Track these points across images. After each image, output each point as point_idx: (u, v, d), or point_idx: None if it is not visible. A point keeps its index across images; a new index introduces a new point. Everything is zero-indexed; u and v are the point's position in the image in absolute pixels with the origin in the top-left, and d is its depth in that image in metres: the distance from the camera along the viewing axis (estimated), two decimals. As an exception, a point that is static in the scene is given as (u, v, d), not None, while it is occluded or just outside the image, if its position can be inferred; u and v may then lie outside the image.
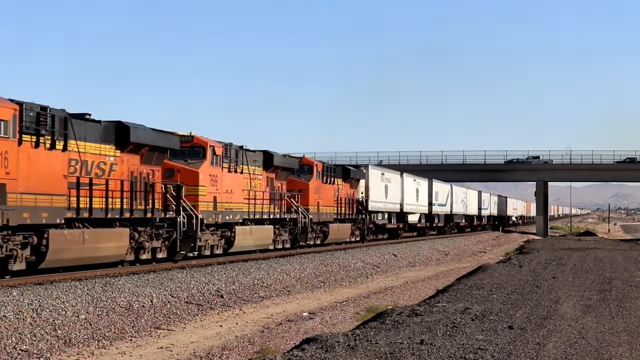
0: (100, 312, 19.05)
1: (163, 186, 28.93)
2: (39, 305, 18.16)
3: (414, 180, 66.95)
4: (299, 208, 40.22)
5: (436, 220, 75.71)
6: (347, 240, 48.56)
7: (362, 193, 51.76)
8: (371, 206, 53.06)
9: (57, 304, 18.66)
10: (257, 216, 35.77)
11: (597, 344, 14.46)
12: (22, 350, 15.41)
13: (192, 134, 31.68)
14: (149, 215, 27.57)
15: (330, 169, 45.96)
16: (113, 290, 21.32)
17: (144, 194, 27.46)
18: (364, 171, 53.22)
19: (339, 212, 47.08)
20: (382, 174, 57.57)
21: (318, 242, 44.15)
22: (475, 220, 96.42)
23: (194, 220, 29.41)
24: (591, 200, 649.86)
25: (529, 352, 13.47)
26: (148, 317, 19.80)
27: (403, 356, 13.01)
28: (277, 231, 38.09)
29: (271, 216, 37.24)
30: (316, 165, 43.91)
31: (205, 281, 25.28)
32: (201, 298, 23.16)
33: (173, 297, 22.36)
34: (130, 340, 17.52)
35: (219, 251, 32.54)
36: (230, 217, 33.21)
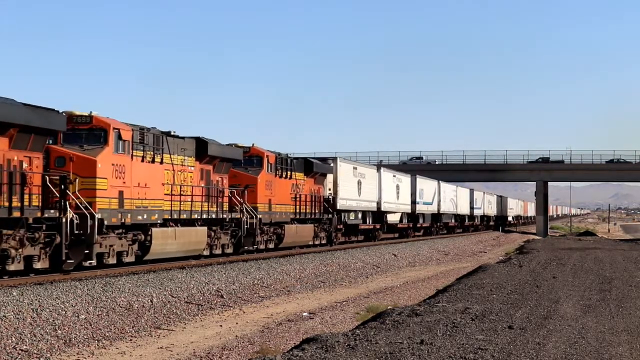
0: (100, 312, 19.05)
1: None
2: (39, 305, 18.16)
3: (394, 176, 60.39)
4: (244, 206, 34.40)
5: (421, 220, 69.57)
6: (310, 243, 42.72)
7: (329, 190, 45.88)
8: (340, 204, 46.72)
9: (57, 304, 18.67)
10: (185, 216, 30.29)
11: (597, 344, 14.46)
12: (22, 350, 15.41)
13: (92, 114, 26.01)
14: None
15: (287, 161, 39.92)
16: (113, 290, 21.33)
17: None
18: (332, 165, 46.80)
19: (299, 211, 41.06)
20: (354, 168, 50.59)
21: (271, 246, 38.26)
22: (466, 220, 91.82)
23: (90, 221, 23.93)
24: (591, 200, 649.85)
25: (529, 352, 13.47)
26: (148, 317, 19.80)
27: (403, 356, 13.01)
28: (213, 234, 32.41)
29: (204, 215, 31.44)
30: (267, 156, 37.57)
31: (205, 281, 25.29)
32: (201, 298, 23.17)
33: (173, 297, 22.36)
34: (130, 340, 17.52)
35: (129, 259, 27.04)
36: (145, 216, 27.65)
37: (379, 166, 57.60)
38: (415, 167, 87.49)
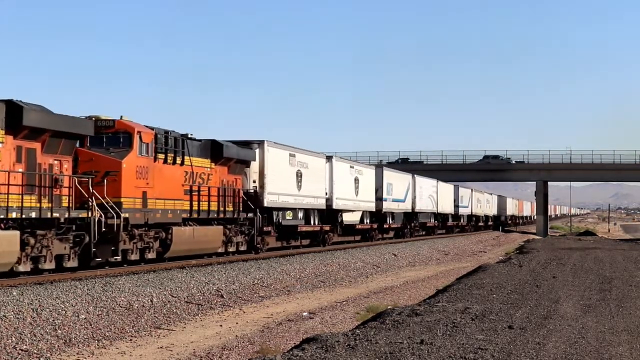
0: (100, 312, 19.05)
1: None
2: (39, 305, 18.16)
3: (352, 167, 50.41)
4: (92, 201, 24.87)
5: (389, 220, 59.62)
6: (220, 250, 32.96)
7: (254, 181, 36.29)
8: (270, 200, 37.00)
9: (57, 304, 18.66)
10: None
11: (597, 344, 14.46)
12: (22, 350, 15.41)
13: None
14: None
15: (177, 141, 29.92)
16: (113, 290, 21.32)
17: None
18: (256, 150, 36.57)
19: (198, 208, 31.03)
20: (292, 155, 40.16)
21: (151, 255, 28.15)
22: (450, 219, 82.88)
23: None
24: (591, 200, 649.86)
25: (529, 352, 13.46)
26: (148, 317, 19.80)
27: (403, 356, 13.01)
28: (29, 241, 22.65)
29: (14, 214, 22.06)
30: (140, 133, 27.56)
31: (205, 281, 25.28)
32: (201, 298, 23.17)
33: (173, 297, 22.36)
34: (130, 340, 17.52)
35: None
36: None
37: (329, 156, 46.28)
38: (414, 167, 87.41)
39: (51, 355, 15.49)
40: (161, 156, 28.83)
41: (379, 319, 17.70)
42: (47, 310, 17.99)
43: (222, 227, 32.85)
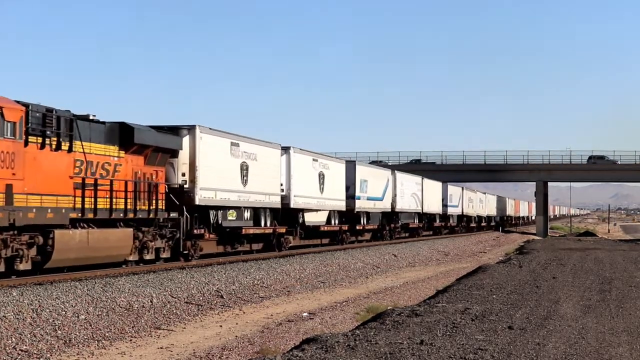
0: (100, 312, 19.05)
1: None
2: (39, 306, 18.16)
3: (315, 161, 43.72)
4: None
5: (363, 221, 52.86)
6: (129, 258, 26.90)
7: (183, 175, 30.28)
8: (203, 197, 30.85)
9: (57, 304, 18.67)
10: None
11: (597, 344, 14.46)
12: (22, 350, 15.41)
13: None
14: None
15: (62, 122, 23.85)
16: (113, 290, 21.33)
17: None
18: (185, 137, 30.38)
19: (93, 207, 24.98)
20: (234, 144, 33.67)
21: (25, 266, 22.50)
22: (437, 220, 76.51)
23: None
24: (591, 200, 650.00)
25: (529, 353, 13.46)
26: (148, 317, 19.80)
27: (403, 356, 13.01)
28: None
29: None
30: (1, 109, 21.33)
31: (205, 281, 25.29)
32: (201, 298, 23.17)
33: (173, 297, 22.36)
34: (130, 340, 17.52)
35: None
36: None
37: (286, 147, 39.94)
38: (415, 167, 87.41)
39: (51, 355, 15.50)
40: (36, 139, 22.74)
41: (378, 320, 17.70)
42: (47, 310, 18.00)
43: (131, 229, 26.39)
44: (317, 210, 43.75)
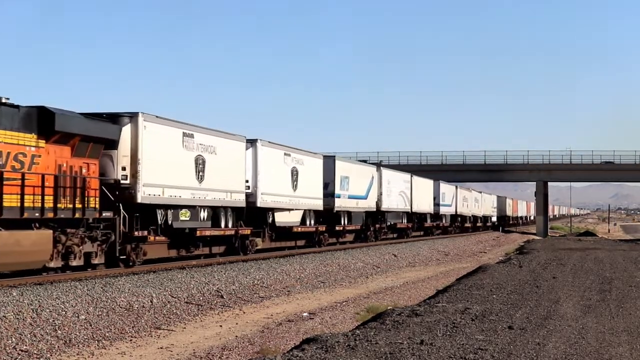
0: (100, 312, 19.05)
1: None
2: (39, 306, 18.16)
3: (287, 155, 39.60)
4: None
5: (343, 221, 48.69)
6: (51, 265, 23.41)
7: (123, 169, 26.80)
8: (147, 195, 27.26)
9: (57, 304, 18.67)
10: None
11: (597, 344, 14.45)
12: (22, 350, 15.41)
13: None
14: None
15: None
16: (113, 290, 21.33)
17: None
18: (125, 126, 26.88)
19: None
20: (187, 135, 29.81)
21: None
22: (428, 220, 72.51)
23: None
24: (591, 200, 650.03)
25: (529, 352, 13.46)
26: (148, 317, 19.80)
27: (403, 356, 13.01)
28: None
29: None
30: None
31: (205, 281, 25.29)
32: (201, 298, 23.17)
33: (173, 297, 22.36)
34: (130, 340, 17.52)
35: None
36: None
37: (252, 140, 35.97)
38: (414, 167, 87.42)
39: (51, 355, 15.49)
40: None
41: (378, 320, 17.70)
42: (47, 310, 18.00)
43: (50, 231, 22.74)
44: (289, 210, 39.65)
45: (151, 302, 21.19)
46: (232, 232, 33.71)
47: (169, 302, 21.79)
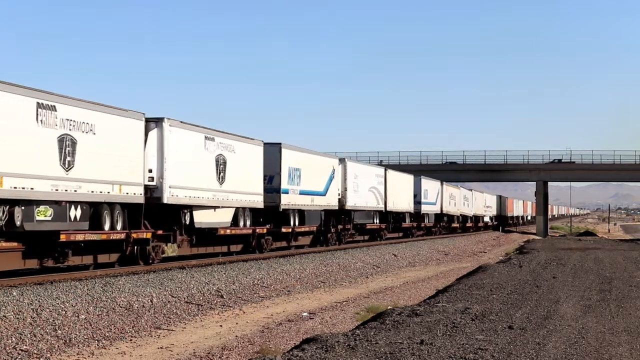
0: (100, 312, 19.06)
1: None
2: (39, 305, 18.17)
3: (209, 139, 32.04)
4: None
5: (294, 221, 40.93)
6: None
7: None
8: None
9: (57, 304, 18.67)
10: None
11: (597, 344, 14.46)
12: (22, 350, 15.41)
13: None
14: None
15: None
16: (113, 290, 21.33)
17: None
18: None
19: None
20: (48, 108, 22.95)
21: None
22: (408, 219, 65.18)
23: None
24: (591, 200, 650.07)
25: (529, 352, 13.46)
26: (148, 317, 19.80)
27: (403, 356, 13.01)
28: None
29: None
30: None
31: (205, 281, 25.30)
32: (201, 298, 23.17)
33: (173, 297, 22.37)
34: (130, 340, 17.52)
35: None
36: None
37: (156, 119, 28.57)
38: (415, 167, 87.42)
39: (51, 355, 15.49)
40: None
41: (379, 319, 17.70)
42: (47, 310, 18.00)
43: None
44: (213, 208, 32.45)
45: (151, 301, 21.19)
46: (123, 236, 26.66)
47: (169, 302, 21.79)
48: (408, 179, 64.75)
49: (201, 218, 31.55)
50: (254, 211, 36.50)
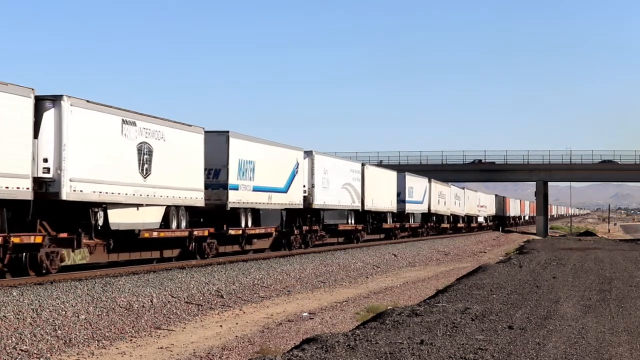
0: (100, 312, 19.06)
1: None
2: (39, 306, 18.17)
3: (129, 124, 26.92)
4: None
5: (245, 221, 35.06)
6: None
7: None
8: None
9: (57, 304, 18.68)
10: None
11: (597, 344, 14.46)
12: (22, 350, 15.41)
13: None
14: None
15: None
16: (113, 290, 21.34)
17: None
18: None
19: None
20: None
21: None
22: (389, 220, 59.68)
23: None
24: (591, 201, 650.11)
25: (529, 352, 13.46)
26: (148, 317, 19.81)
27: (403, 356, 13.01)
28: None
29: None
30: None
31: (205, 281, 25.30)
32: (201, 298, 23.18)
33: (173, 297, 22.37)
34: (130, 340, 17.52)
35: None
36: None
37: (54, 97, 23.68)
38: (415, 167, 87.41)
39: (51, 355, 15.49)
40: None
41: (379, 319, 17.70)
42: (47, 310, 18.00)
43: None
44: (136, 206, 27.35)
45: (151, 302, 21.20)
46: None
47: (169, 302, 21.79)
48: (390, 175, 59.93)
49: (119, 218, 26.52)
50: (192, 210, 31.51)
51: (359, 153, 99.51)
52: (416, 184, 66.33)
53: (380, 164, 78.34)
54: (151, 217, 28.37)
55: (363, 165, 53.01)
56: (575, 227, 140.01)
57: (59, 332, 16.90)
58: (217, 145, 32.90)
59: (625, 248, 56.08)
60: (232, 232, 33.82)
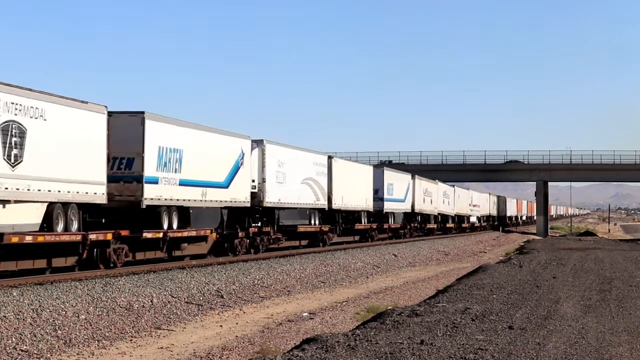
0: (100, 312, 19.06)
1: None
2: (39, 306, 18.17)
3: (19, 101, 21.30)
4: None
5: (167, 222, 28.64)
6: None
7: None
8: None
9: (57, 304, 18.68)
10: None
11: (597, 344, 14.46)
12: (22, 350, 15.42)
13: None
14: None
15: None
16: (113, 290, 21.34)
17: None
18: None
19: None
20: None
21: None
22: (365, 219, 52.78)
23: None
24: (591, 200, 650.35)
25: (529, 352, 13.46)
26: (148, 317, 19.81)
27: (403, 356, 13.01)
28: None
29: None
30: None
31: (205, 281, 25.30)
32: (201, 298, 23.18)
33: (173, 297, 22.37)
34: (131, 340, 17.53)
35: None
36: None
37: None
38: (415, 167, 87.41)
39: (51, 355, 15.50)
40: None
41: (379, 320, 17.70)
42: (47, 310, 18.00)
43: None
44: (1, 202, 21.22)
45: (151, 302, 21.20)
46: None
47: (169, 302, 21.80)
48: (365, 170, 53.56)
49: (13, 218, 21.73)
50: (92, 209, 25.60)
51: (359, 153, 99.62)
52: (397, 181, 59.75)
53: (380, 164, 77.40)
54: (25, 217, 22.27)
55: (330, 157, 46.34)
56: (575, 227, 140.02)
57: (59, 332, 16.91)
58: (130, 129, 26.97)
59: (625, 248, 56.09)
60: (148, 235, 27.31)
